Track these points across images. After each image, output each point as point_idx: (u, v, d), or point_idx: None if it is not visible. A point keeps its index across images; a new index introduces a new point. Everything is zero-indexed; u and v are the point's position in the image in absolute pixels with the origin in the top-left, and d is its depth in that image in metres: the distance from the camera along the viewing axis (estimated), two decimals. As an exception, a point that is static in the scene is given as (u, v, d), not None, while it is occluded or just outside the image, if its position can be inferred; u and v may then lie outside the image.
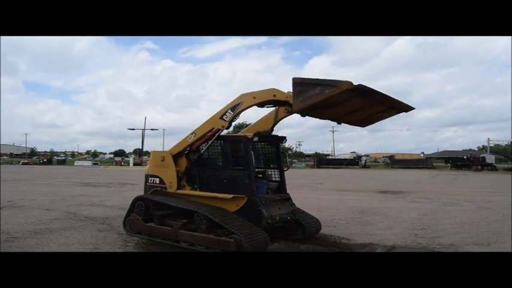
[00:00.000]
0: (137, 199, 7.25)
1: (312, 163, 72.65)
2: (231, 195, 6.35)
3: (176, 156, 7.07)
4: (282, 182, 7.23)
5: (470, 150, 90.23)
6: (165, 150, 8.79)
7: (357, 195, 16.23)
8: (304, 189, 18.47)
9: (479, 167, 52.54)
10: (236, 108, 6.31)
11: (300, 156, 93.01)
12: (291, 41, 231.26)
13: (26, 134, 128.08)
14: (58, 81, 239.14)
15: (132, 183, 21.24)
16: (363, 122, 6.95)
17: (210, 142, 6.65)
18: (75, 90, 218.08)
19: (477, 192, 18.64)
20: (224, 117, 6.41)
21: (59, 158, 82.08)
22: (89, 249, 6.45)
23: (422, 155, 77.56)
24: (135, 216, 7.03)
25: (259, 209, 6.17)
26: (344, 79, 5.03)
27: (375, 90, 5.36)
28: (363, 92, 5.19)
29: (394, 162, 67.65)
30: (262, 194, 6.64)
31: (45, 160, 70.19)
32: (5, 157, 77.68)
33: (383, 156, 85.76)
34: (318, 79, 5.27)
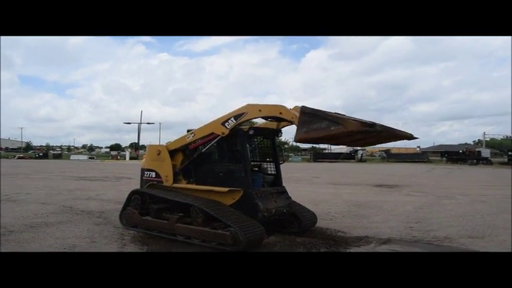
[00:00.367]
0: (133, 193, 7.27)
1: (308, 157, 72.72)
2: (227, 189, 6.37)
3: (173, 152, 7.08)
4: (278, 176, 7.26)
5: (466, 144, 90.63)
6: (161, 144, 8.78)
7: (352, 189, 16.30)
8: (300, 183, 18.51)
9: (475, 161, 52.88)
10: (240, 117, 6.25)
11: (296, 150, 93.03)
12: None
13: (22, 128, 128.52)
14: (54, 75, 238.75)
15: (128, 177, 21.23)
16: (363, 146, 7.07)
17: (207, 147, 6.66)
18: (70, 84, 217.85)
19: (472, 186, 18.77)
20: (226, 124, 6.37)
21: (55, 152, 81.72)
22: (86, 243, 6.46)
23: (418, 149, 77.55)
24: (131, 210, 7.05)
25: (255, 202, 6.19)
26: (351, 120, 4.95)
27: (383, 129, 5.26)
28: (369, 131, 5.08)
29: (390, 156, 67.77)
30: (258, 187, 6.67)
31: (41, 154, 69.85)
32: (0, 151, 77.23)
33: (379, 150, 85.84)
34: (326, 113, 5.16)
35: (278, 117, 6.10)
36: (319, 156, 68.35)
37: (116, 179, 21.20)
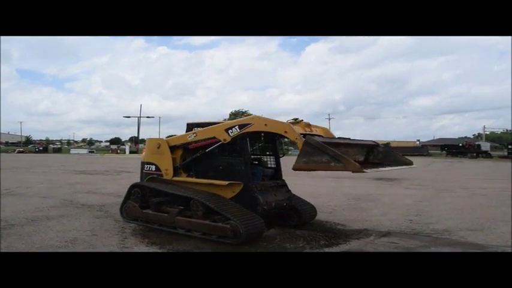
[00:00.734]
0: (133, 186, 7.29)
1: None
2: (227, 182, 6.40)
3: (173, 148, 7.10)
4: (277, 169, 7.28)
5: (465, 137, 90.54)
6: (161, 137, 8.78)
7: (352, 182, 16.33)
8: (300, 177, 18.49)
9: (475, 154, 52.94)
10: (244, 127, 6.25)
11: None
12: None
13: (21, 122, 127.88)
14: (52, 68, 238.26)
15: (128, 171, 21.26)
16: None
17: (207, 150, 6.66)
18: (69, 77, 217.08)
19: (472, 179, 18.82)
20: (229, 132, 6.37)
21: (55, 146, 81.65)
22: (86, 236, 6.49)
23: (418, 142, 77.58)
24: (131, 203, 7.08)
25: (255, 196, 6.21)
26: (352, 162, 5.17)
27: (382, 169, 5.57)
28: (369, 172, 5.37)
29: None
30: (258, 180, 6.69)
31: (40, 148, 69.80)
32: (0, 146, 77.23)
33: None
34: (329, 149, 5.16)
35: (281, 134, 6.07)
36: (318, 150, 68.32)
37: (116, 172, 21.24)
